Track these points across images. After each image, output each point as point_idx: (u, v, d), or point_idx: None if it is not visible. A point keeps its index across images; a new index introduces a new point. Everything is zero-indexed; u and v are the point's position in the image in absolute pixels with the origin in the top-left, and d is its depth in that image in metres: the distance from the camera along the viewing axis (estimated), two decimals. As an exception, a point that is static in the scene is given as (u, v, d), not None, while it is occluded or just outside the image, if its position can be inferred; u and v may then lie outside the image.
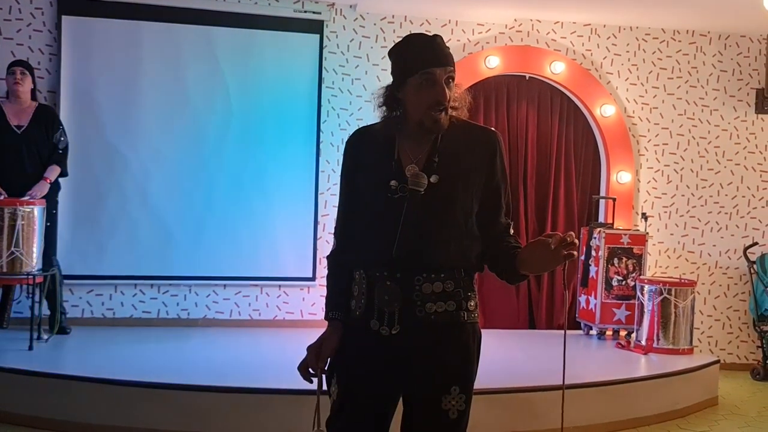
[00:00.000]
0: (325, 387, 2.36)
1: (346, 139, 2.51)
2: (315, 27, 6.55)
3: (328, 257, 2.50)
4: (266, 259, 6.47)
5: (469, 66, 6.68)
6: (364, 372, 2.32)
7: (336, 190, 6.41)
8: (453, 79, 2.33)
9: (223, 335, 6.05)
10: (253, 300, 6.52)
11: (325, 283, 2.49)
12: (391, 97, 2.37)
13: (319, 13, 6.53)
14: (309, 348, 2.38)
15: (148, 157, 6.28)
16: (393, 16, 6.70)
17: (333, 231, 2.54)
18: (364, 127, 2.54)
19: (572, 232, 2.21)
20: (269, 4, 6.49)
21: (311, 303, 6.57)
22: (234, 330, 6.26)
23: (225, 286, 6.45)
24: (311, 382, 2.37)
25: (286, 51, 6.50)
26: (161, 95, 6.31)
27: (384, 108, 2.39)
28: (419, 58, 2.29)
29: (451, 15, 6.66)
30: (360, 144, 2.46)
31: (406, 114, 2.35)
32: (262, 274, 6.49)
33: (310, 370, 2.37)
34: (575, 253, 2.17)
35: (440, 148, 2.35)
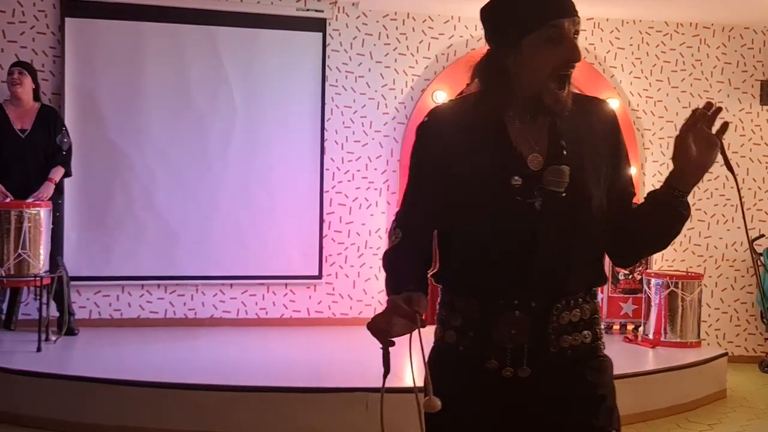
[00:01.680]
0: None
1: (422, 121, 1.94)
2: (318, 25, 6.54)
3: (386, 254, 1.92)
4: (272, 257, 6.48)
5: (472, 62, 6.65)
6: (487, 427, 1.84)
7: (341, 187, 6.54)
8: (578, 33, 1.80)
9: (231, 334, 6.06)
10: (259, 299, 6.52)
11: (387, 280, 1.89)
12: (496, 65, 1.83)
13: (322, 11, 6.52)
14: (393, 298, 1.76)
15: (153, 157, 6.29)
16: (396, 13, 6.69)
17: (391, 227, 1.96)
18: (444, 105, 2.03)
19: (709, 101, 1.84)
20: (272, 3, 6.48)
21: (318, 301, 6.58)
22: (241, 329, 6.27)
23: (231, 285, 6.46)
24: (387, 344, 1.73)
25: (290, 50, 6.50)
26: (165, 96, 6.32)
27: (484, 80, 1.86)
28: (541, 7, 1.75)
29: (454, 11, 6.65)
30: (447, 127, 1.87)
31: (515, 88, 1.82)
32: (268, 273, 6.49)
33: (389, 323, 1.72)
34: (726, 122, 1.79)
35: (562, 128, 1.83)
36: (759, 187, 7.19)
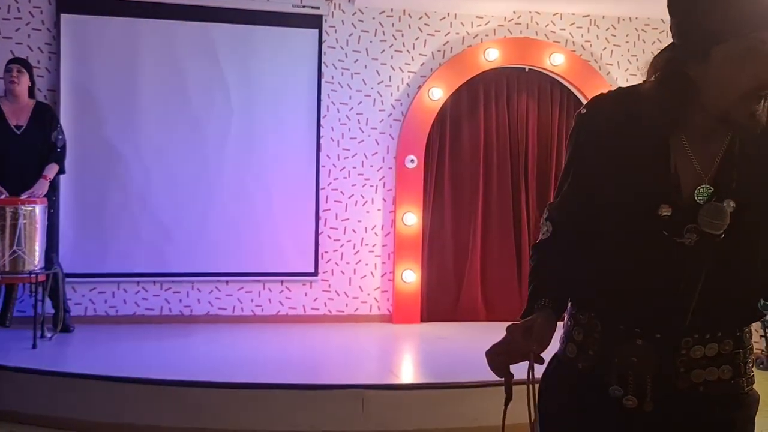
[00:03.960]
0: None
1: (580, 111, 1.73)
2: (314, 22, 6.54)
3: (537, 245, 1.77)
4: (268, 254, 6.47)
5: (468, 59, 6.68)
6: None
7: (337, 184, 6.54)
8: None
9: (226, 331, 6.06)
10: (255, 296, 6.52)
11: (530, 276, 1.76)
12: (676, 72, 1.55)
13: (318, 7, 6.51)
14: (512, 327, 1.65)
15: (148, 154, 6.28)
16: (392, 10, 6.68)
17: (543, 217, 1.79)
18: (605, 97, 1.69)
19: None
20: (268, -1, 6.49)
21: (313, 298, 6.57)
22: (237, 326, 6.27)
23: (227, 282, 6.46)
24: (503, 375, 1.67)
25: (286, 46, 6.49)
26: (161, 92, 6.31)
27: (660, 90, 1.57)
28: (746, 12, 1.44)
29: (450, 8, 6.65)
30: (603, 124, 1.64)
31: (695, 104, 1.54)
32: (264, 270, 6.49)
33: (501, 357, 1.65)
34: None
35: (739, 155, 1.55)
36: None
